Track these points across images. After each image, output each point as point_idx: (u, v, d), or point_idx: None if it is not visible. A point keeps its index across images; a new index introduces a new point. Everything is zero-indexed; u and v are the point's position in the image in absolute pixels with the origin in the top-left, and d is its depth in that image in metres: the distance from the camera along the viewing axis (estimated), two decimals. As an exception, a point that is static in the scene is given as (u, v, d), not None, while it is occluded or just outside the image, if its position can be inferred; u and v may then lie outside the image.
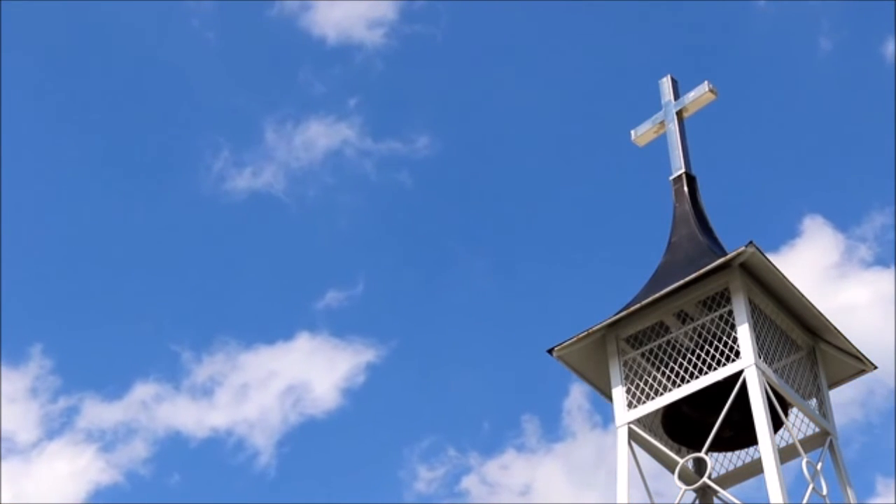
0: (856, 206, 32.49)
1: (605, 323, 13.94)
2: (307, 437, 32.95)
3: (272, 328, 34.14)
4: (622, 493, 13.30)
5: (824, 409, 13.81)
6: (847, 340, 13.98)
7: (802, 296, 13.71)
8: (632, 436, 13.60)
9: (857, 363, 14.15)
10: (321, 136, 33.09)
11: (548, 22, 33.12)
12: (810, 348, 14.08)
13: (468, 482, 32.13)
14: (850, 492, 13.35)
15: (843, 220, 32.93)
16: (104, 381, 33.36)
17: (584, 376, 14.28)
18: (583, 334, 13.96)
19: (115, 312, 33.10)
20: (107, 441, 32.42)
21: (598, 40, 33.56)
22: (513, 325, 32.25)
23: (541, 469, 32.63)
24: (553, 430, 33.08)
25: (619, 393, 13.78)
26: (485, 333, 32.47)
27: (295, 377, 32.99)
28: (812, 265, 31.68)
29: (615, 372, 13.88)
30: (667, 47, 31.93)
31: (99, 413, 32.74)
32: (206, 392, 32.92)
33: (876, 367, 14.21)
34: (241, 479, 32.36)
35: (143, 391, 32.75)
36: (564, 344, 13.98)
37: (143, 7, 33.31)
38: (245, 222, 33.49)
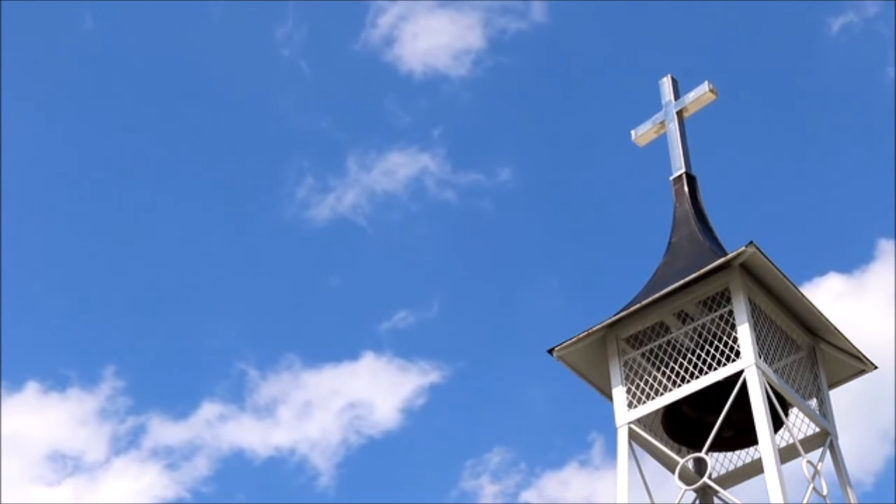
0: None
1: (605, 323, 13.94)
2: (367, 458, 33.28)
3: (340, 347, 34.42)
4: (622, 493, 13.30)
5: (824, 409, 13.81)
6: (847, 340, 13.98)
7: (803, 296, 13.71)
8: (632, 436, 13.60)
9: (857, 363, 14.15)
10: (403, 165, 33.37)
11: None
12: (810, 348, 14.09)
13: (527, 496, 32.38)
14: (850, 492, 13.36)
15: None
16: (173, 401, 33.93)
17: (584, 376, 14.28)
18: (583, 334, 13.96)
19: (186, 330, 33.76)
20: (173, 459, 32.90)
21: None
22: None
23: (601, 484, 32.72)
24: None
25: (619, 393, 13.78)
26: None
27: (357, 397, 33.40)
28: (886, 288, 31.65)
29: (615, 372, 13.88)
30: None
31: (165, 432, 33.26)
32: (269, 411, 33.41)
33: (876, 367, 14.21)
34: (302, 498, 32.65)
35: (209, 410, 33.19)
36: (564, 344, 13.98)
37: (235, 36, 34.08)
38: (323, 246, 33.88)
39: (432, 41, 33.29)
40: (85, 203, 33.56)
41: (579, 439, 32.99)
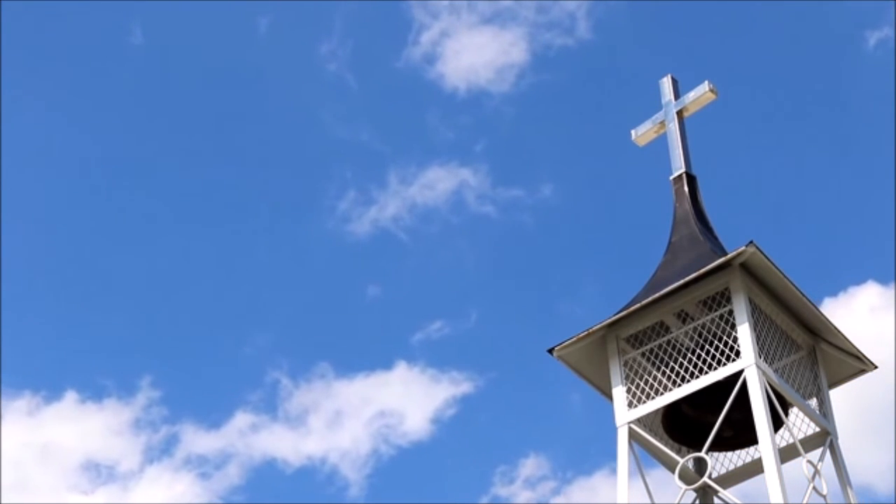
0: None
1: (605, 323, 13.94)
2: (397, 468, 33.42)
3: (373, 357, 34.59)
4: (622, 493, 13.31)
5: (824, 409, 13.80)
6: (847, 340, 13.97)
7: (803, 295, 13.70)
8: (632, 435, 13.61)
9: (857, 363, 14.15)
10: (443, 180, 33.59)
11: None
12: (810, 348, 14.08)
13: (556, 500, 32.46)
14: (850, 492, 13.35)
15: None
16: (207, 410, 34.21)
17: (584, 376, 14.27)
18: (583, 334, 13.95)
19: (222, 340, 34.06)
20: (206, 468, 33.09)
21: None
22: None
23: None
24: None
25: (619, 393, 13.78)
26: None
27: (388, 407, 33.55)
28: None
29: (615, 372, 13.88)
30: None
31: (199, 441, 33.48)
32: (301, 420, 33.61)
33: (876, 367, 14.20)
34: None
35: (242, 419, 33.45)
36: (564, 344, 13.97)
37: (281, 50, 34.39)
38: (363, 257, 34.12)
39: (475, 57, 33.63)
40: (123, 213, 33.95)
41: (613, 448, 33.08)
